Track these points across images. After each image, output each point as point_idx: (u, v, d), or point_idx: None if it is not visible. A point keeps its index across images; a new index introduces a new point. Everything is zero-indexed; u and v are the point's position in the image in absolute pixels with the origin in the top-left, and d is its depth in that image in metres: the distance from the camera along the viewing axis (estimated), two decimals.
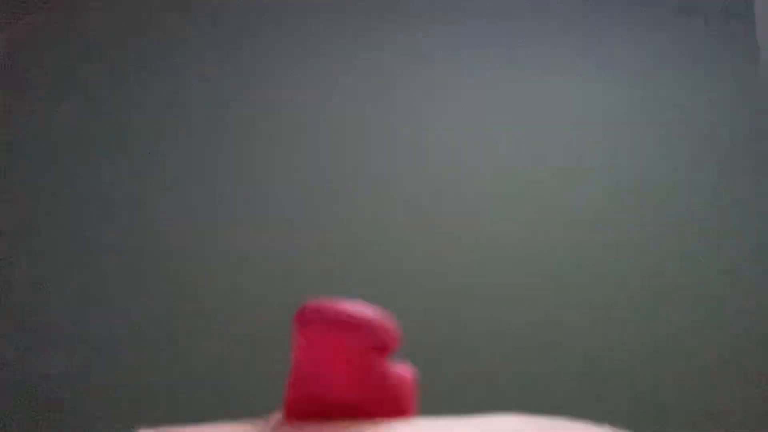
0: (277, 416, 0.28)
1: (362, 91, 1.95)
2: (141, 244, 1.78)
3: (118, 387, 1.69)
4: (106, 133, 1.83)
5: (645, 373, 1.95)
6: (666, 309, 1.98)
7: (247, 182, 1.86)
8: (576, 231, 1.98)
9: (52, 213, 1.79)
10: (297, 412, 0.27)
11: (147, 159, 1.81)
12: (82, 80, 1.86)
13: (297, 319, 0.29)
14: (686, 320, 2.01)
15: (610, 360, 1.95)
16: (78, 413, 1.66)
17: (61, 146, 1.81)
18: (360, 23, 1.97)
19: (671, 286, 1.99)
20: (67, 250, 1.77)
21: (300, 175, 1.88)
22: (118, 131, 1.82)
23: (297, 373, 0.27)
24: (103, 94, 1.83)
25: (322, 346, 0.27)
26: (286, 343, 1.75)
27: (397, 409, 0.27)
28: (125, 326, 1.74)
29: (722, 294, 1.98)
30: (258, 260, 1.83)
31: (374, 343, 0.27)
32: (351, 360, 0.27)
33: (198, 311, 1.78)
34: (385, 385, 0.27)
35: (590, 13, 2.04)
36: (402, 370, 0.28)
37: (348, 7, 1.96)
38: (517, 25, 2.06)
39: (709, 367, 1.98)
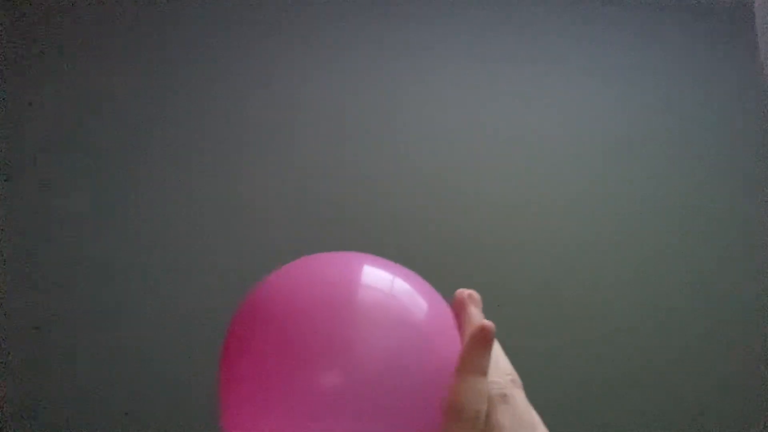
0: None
1: (358, 88, 1.94)
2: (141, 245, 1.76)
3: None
4: (105, 134, 1.81)
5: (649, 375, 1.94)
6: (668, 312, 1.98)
7: (240, 181, 1.85)
8: (574, 229, 1.97)
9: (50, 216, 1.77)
10: None
11: (147, 158, 1.79)
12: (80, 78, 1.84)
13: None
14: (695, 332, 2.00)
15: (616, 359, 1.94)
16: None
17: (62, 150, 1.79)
18: (355, 21, 1.96)
19: (671, 282, 1.99)
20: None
21: (297, 174, 1.86)
22: (118, 131, 1.80)
23: None
24: (104, 94, 1.81)
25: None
26: None
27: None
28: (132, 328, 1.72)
29: (722, 292, 1.97)
30: (250, 259, 1.82)
31: None
32: None
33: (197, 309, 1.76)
34: None
35: (591, 12, 2.03)
36: None
37: (343, 5, 1.94)
38: (517, 22, 2.05)
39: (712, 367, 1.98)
